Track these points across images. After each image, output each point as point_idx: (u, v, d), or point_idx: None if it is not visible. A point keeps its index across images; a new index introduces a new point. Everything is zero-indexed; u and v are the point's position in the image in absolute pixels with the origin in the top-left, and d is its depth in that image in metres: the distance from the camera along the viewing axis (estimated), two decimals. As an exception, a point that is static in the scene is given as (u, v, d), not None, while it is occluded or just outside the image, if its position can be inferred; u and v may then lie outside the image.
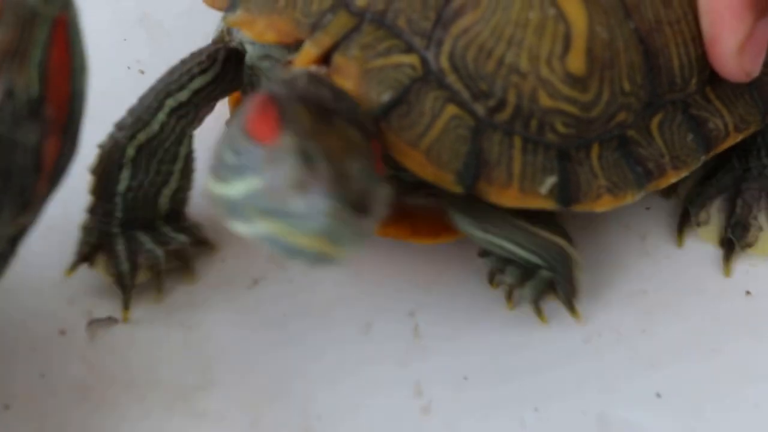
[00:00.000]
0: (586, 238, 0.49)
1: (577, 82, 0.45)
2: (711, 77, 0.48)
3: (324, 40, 0.45)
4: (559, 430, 0.45)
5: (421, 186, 0.47)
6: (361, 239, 0.41)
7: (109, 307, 0.46)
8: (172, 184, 0.47)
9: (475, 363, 0.46)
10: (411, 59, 0.45)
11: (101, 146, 0.47)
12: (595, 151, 0.46)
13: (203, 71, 0.47)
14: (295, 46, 0.45)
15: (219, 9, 0.46)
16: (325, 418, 0.45)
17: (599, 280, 0.48)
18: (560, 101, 0.45)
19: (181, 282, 0.47)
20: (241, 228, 0.41)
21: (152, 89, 0.47)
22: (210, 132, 0.49)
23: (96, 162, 0.47)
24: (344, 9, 0.45)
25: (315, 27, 0.45)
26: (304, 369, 0.45)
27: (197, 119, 0.47)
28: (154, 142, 0.47)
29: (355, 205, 0.40)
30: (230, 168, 0.41)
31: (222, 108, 0.50)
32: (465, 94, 0.45)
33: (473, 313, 0.47)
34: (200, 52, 0.47)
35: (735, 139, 0.48)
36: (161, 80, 0.47)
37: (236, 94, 0.50)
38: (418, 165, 0.44)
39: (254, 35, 0.45)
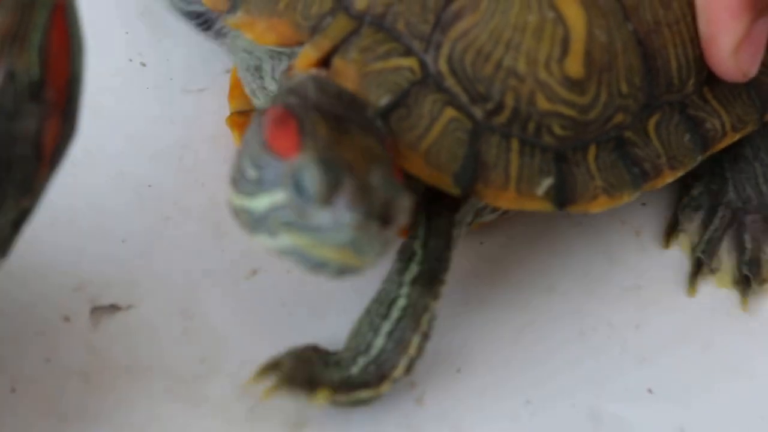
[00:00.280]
0: (581, 233, 0.50)
1: (575, 85, 0.45)
2: (708, 77, 0.48)
3: (323, 43, 0.45)
4: (551, 423, 0.45)
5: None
6: (386, 249, 0.41)
7: (113, 295, 0.47)
8: None
9: (469, 356, 0.46)
10: (410, 62, 0.45)
11: None
12: (591, 152, 0.46)
13: None
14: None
15: (220, 11, 0.46)
16: (321, 409, 0.45)
17: (593, 274, 0.49)
18: (558, 104, 0.45)
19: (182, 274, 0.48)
20: (264, 241, 0.42)
21: None
22: (213, 140, 0.50)
23: None
24: (344, 12, 0.45)
25: (315, 30, 0.45)
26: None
27: None
28: None
29: (380, 215, 0.40)
30: (252, 182, 0.42)
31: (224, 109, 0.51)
32: (463, 97, 0.45)
33: (467, 307, 0.47)
34: None
35: (732, 138, 0.48)
36: None
37: (234, 80, 0.50)
38: (416, 167, 0.44)
39: (254, 37, 0.46)
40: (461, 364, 0.46)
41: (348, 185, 0.40)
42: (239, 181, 0.42)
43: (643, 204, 0.51)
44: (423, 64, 0.45)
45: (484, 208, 0.47)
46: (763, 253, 0.49)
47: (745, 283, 0.49)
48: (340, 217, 0.40)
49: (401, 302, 0.45)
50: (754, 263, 0.49)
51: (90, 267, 0.47)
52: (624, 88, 0.46)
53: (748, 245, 0.49)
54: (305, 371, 0.44)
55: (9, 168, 0.40)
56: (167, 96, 0.52)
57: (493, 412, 0.46)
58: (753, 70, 0.48)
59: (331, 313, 0.47)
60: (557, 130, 0.46)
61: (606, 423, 0.45)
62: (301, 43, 0.45)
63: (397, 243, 0.42)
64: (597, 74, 0.46)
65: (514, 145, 0.45)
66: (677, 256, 0.50)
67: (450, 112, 0.45)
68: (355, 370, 0.45)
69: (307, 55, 0.45)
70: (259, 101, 0.49)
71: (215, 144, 0.51)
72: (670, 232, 0.50)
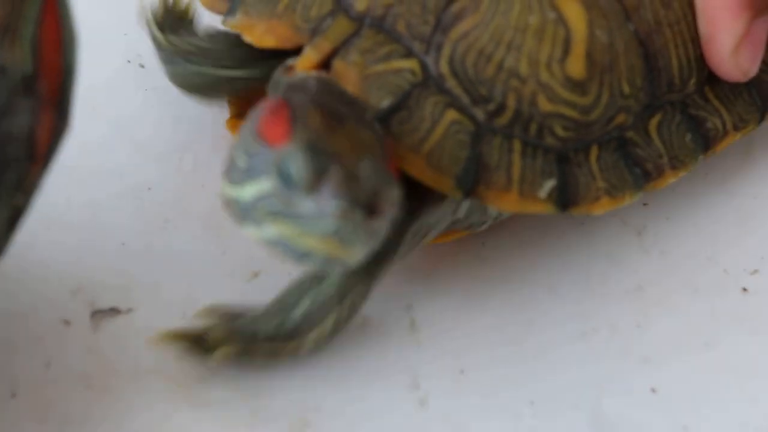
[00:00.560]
0: (582, 233, 0.50)
1: (576, 86, 0.45)
2: (709, 77, 0.48)
3: (324, 45, 0.45)
4: (554, 424, 0.45)
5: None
6: (372, 241, 0.41)
7: (113, 297, 0.47)
8: None
9: (472, 357, 0.46)
10: (411, 64, 0.45)
11: None
12: (593, 153, 0.46)
13: None
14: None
15: (218, 13, 0.46)
16: (323, 410, 0.45)
17: (595, 275, 0.49)
18: (560, 105, 0.45)
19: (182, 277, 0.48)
20: (252, 231, 0.42)
21: None
22: (212, 142, 0.50)
23: None
24: (344, 14, 0.45)
25: (314, 32, 0.45)
26: (303, 361, 0.46)
27: None
28: None
29: (366, 205, 0.40)
30: (242, 171, 0.42)
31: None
32: (465, 99, 0.45)
33: (469, 308, 0.47)
34: None
35: (734, 138, 0.49)
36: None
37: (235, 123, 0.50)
38: (418, 170, 0.44)
39: (253, 40, 0.45)
40: (464, 365, 0.46)
41: (334, 173, 0.40)
42: (230, 171, 0.42)
43: (645, 204, 0.51)
44: (424, 66, 0.45)
45: (469, 216, 0.47)
46: None
47: None
48: (324, 206, 0.40)
49: (334, 277, 0.44)
50: None
51: (89, 270, 0.47)
52: (626, 89, 0.46)
53: None
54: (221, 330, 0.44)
55: (3, 169, 0.40)
56: (166, 98, 0.52)
57: (496, 413, 0.45)
58: (753, 69, 0.48)
59: (332, 315, 0.47)
60: (559, 131, 0.45)
61: (609, 423, 0.45)
62: (300, 46, 0.45)
63: (383, 236, 0.42)
64: (598, 75, 0.46)
65: (516, 146, 0.45)
66: (679, 257, 0.49)
67: (451, 114, 0.45)
68: (268, 325, 0.44)
69: (308, 57, 0.45)
70: None
71: (215, 146, 0.50)
72: None
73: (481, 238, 0.49)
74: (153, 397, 0.45)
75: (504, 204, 0.45)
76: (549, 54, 0.45)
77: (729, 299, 0.49)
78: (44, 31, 0.40)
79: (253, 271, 0.48)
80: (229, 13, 0.46)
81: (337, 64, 0.45)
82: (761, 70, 0.49)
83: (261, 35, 0.45)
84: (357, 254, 0.41)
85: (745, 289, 0.49)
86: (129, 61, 0.53)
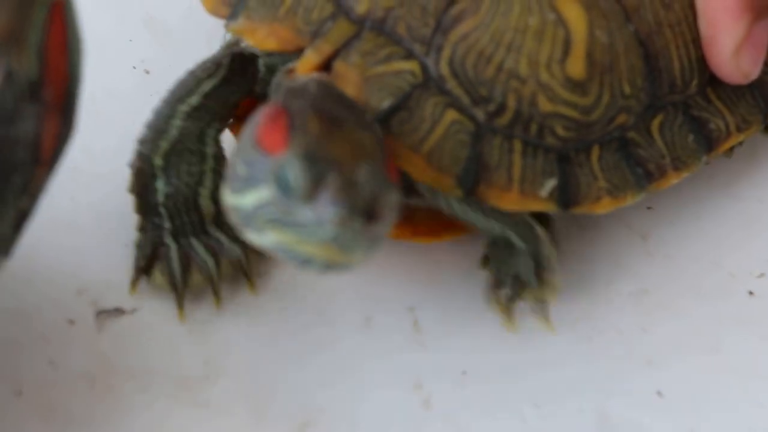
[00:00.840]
0: (587, 237, 0.50)
1: (576, 86, 0.45)
2: (712, 78, 0.48)
3: (324, 47, 0.45)
4: (559, 427, 0.45)
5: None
6: (372, 245, 0.41)
7: (117, 298, 0.47)
8: (207, 183, 0.47)
9: (475, 358, 0.46)
10: (411, 66, 0.45)
11: (131, 165, 0.47)
12: (595, 153, 0.46)
13: (210, 75, 0.47)
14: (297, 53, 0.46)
15: (221, 17, 0.47)
16: (327, 411, 0.45)
17: (600, 279, 0.49)
18: (560, 105, 0.45)
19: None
20: (253, 238, 0.42)
21: (164, 100, 0.47)
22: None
23: (131, 181, 0.47)
24: (344, 16, 0.45)
25: (316, 35, 0.45)
26: (306, 362, 0.46)
27: (217, 120, 0.48)
28: (178, 146, 0.47)
29: (364, 211, 0.40)
30: (242, 179, 0.42)
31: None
32: (465, 100, 0.45)
33: (473, 309, 0.47)
34: (206, 59, 0.48)
35: (737, 139, 0.49)
36: (171, 91, 0.47)
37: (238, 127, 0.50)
38: (418, 170, 0.44)
39: (255, 43, 0.46)
40: (467, 367, 0.46)
41: (332, 180, 0.40)
42: (231, 179, 0.42)
43: (650, 208, 0.51)
44: (424, 67, 0.45)
45: None
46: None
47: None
48: (322, 213, 0.40)
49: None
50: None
51: (94, 271, 0.47)
52: (626, 89, 0.46)
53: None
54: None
55: (9, 173, 0.40)
56: (171, 103, 0.52)
57: (500, 415, 0.45)
58: (754, 72, 0.48)
59: (334, 314, 0.47)
60: (560, 132, 0.46)
61: (614, 426, 0.45)
62: (302, 48, 0.45)
63: (384, 240, 0.42)
64: (599, 75, 0.46)
65: (517, 146, 0.45)
66: (684, 260, 0.49)
67: (452, 115, 0.45)
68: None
69: (309, 59, 0.45)
70: None
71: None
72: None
73: (484, 239, 0.49)
74: (154, 397, 0.45)
75: (505, 203, 0.45)
76: (549, 55, 0.45)
77: (735, 302, 0.48)
78: (51, 38, 0.40)
79: (256, 272, 0.48)
80: (231, 17, 0.46)
81: (338, 65, 0.45)
82: (764, 73, 0.49)
83: (263, 38, 0.46)
84: (358, 259, 0.41)
85: (751, 293, 0.49)
86: (134, 67, 0.53)
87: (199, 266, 0.47)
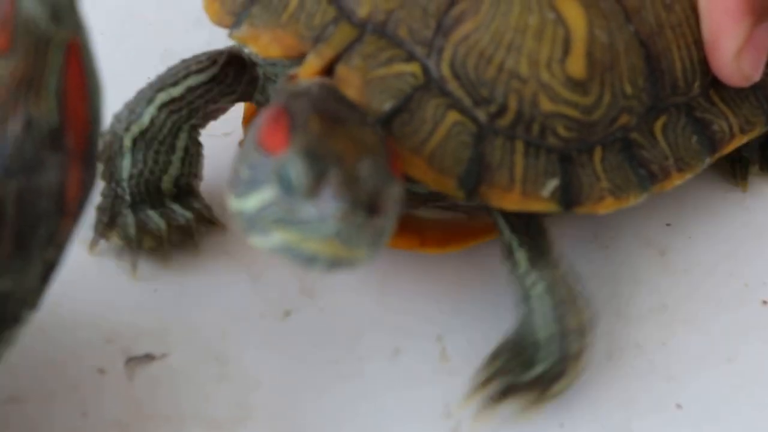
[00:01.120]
0: (606, 255, 0.50)
1: (577, 85, 0.45)
2: (714, 80, 0.48)
3: (327, 51, 0.45)
4: (584, 446, 0.45)
5: (429, 198, 0.47)
6: (376, 240, 0.41)
7: (146, 344, 0.47)
8: (172, 171, 0.49)
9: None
10: (412, 68, 0.45)
11: (104, 135, 0.48)
12: (597, 153, 0.46)
13: (200, 70, 0.48)
14: (300, 58, 0.46)
15: (225, 26, 0.47)
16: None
17: (620, 295, 0.49)
18: (561, 105, 0.45)
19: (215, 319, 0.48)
20: (258, 241, 0.42)
21: (150, 83, 0.48)
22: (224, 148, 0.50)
23: (101, 149, 0.48)
24: (346, 21, 0.45)
25: (318, 39, 0.45)
26: (336, 395, 0.46)
27: (195, 118, 0.48)
28: (147, 134, 0.48)
29: (367, 205, 0.40)
30: (245, 182, 0.42)
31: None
32: (466, 101, 0.45)
33: (499, 335, 0.47)
34: (203, 53, 0.48)
35: (740, 140, 0.49)
36: (160, 76, 0.48)
37: (249, 112, 0.51)
38: (420, 171, 0.44)
39: (259, 49, 0.46)
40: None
41: (333, 176, 0.40)
42: (235, 183, 0.43)
43: (668, 225, 0.51)
44: (425, 69, 0.45)
45: None
46: None
47: None
48: (324, 209, 0.40)
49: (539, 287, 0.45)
50: None
51: (122, 318, 0.47)
52: (628, 89, 0.46)
53: None
54: None
55: (35, 225, 0.39)
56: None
57: (529, 438, 0.46)
58: (756, 74, 0.48)
59: (362, 346, 0.47)
60: (562, 132, 0.46)
61: (637, 441, 0.46)
62: (304, 54, 0.46)
63: (389, 235, 0.42)
64: (599, 75, 0.46)
65: (519, 146, 0.45)
66: (701, 274, 0.50)
67: (453, 116, 0.45)
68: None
69: (311, 63, 0.45)
70: None
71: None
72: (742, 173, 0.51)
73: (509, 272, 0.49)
74: (190, 441, 0.45)
75: (507, 203, 0.45)
76: (549, 54, 0.45)
77: (751, 313, 0.49)
78: (69, 81, 0.39)
79: (284, 310, 0.48)
80: (234, 25, 0.47)
81: (340, 69, 0.45)
82: (766, 74, 0.49)
83: (266, 45, 0.46)
84: (363, 254, 0.41)
85: (765, 302, 0.49)
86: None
87: (152, 231, 0.48)
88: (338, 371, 0.47)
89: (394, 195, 0.41)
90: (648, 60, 0.47)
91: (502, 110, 0.45)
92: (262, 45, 0.46)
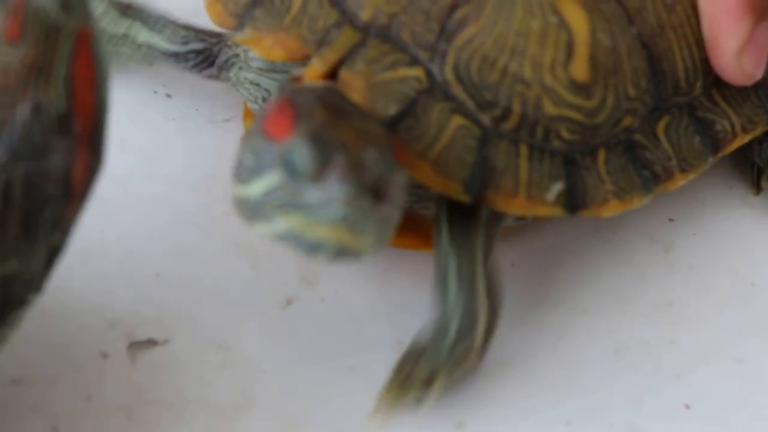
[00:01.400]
0: (611, 251, 0.50)
1: (580, 88, 0.46)
2: (716, 80, 0.48)
3: (330, 55, 0.45)
4: (591, 445, 0.45)
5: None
6: (382, 228, 0.41)
7: (149, 329, 0.47)
8: None
9: (506, 380, 0.46)
10: (416, 72, 0.45)
11: None
12: (601, 156, 0.46)
13: (171, 40, 0.49)
14: (302, 62, 0.46)
15: (228, 28, 0.47)
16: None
17: (625, 293, 0.49)
18: (565, 108, 0.45)
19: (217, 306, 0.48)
20: (263, 228, 0.42)
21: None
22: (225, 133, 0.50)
23: None
24: (349, 24, 0.45)
25: (321, 43, 0.45)
26: (339, 383, 0.46)
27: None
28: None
29: (373, 191, 0.40)
30: (249, 169, 0.42)
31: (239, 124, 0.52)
32: (470, 105, 0.45)
33: (502, 331, 0.47)
34: (188, 28, 0.49)
35: (743, 139, 0.49)
36: (143, 6, 0.49)
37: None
38: (425, 176, 0.44)
39: (262, 52, 0.46)
40: (498, 389, 0.46)
41: (339, 161, 0.40)
42: (239, 171, 0.42)
43: (671, 220, 0.51)
44: (429, 73, 0.45)
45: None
46: None
47: None
48: (330, 193, 0.40)
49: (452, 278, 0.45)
50: None
51: (125, 302, 0.47)
52: (631, 91, 0.46)
53: None
54: None
55: (41, 208, 0.40)
56: (193, 127, 0.52)
57: (535, 436, 0.46)
58: (757, 73, 0.48)
59: (365, 341, 0.47)
60: (565, 135, 0.46)
61: (647, 441, 0.46)
62: (307, 57, 0.46)
63: (394, 224, 0.42)
64: (603, 78, 0.46)
65: (523, 150, 0.45)
66: (707, 271, 0.50)
67: (458, 120, 0.45)
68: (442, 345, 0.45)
69: (314, 67, 0.45)
70: None
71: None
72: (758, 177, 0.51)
73: (510, 259, 0.49)
74: (191, 428, 0.45)
75: (512, 208, 0.45)
76: (552, 58, 0.45)
77: (758, 310, 0.49)
78: (77, 68, 0.40)
79: (286, 298, 0.48)
80: (237, 28, 0.47)
81: (344, 73, 0.45)
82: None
83: (269, 48, 0.46)
84: (368, 242, 0.41)
85: (771, 300, 0.49)
86: (155, 92, 0.53)
87: None
88: (340, 360, 0.47)
89: (399, 183, 0.41)
90: (650, 61, 0.47)
91: (506, 114, 0.45)
92: (265, 48, 0.46)
